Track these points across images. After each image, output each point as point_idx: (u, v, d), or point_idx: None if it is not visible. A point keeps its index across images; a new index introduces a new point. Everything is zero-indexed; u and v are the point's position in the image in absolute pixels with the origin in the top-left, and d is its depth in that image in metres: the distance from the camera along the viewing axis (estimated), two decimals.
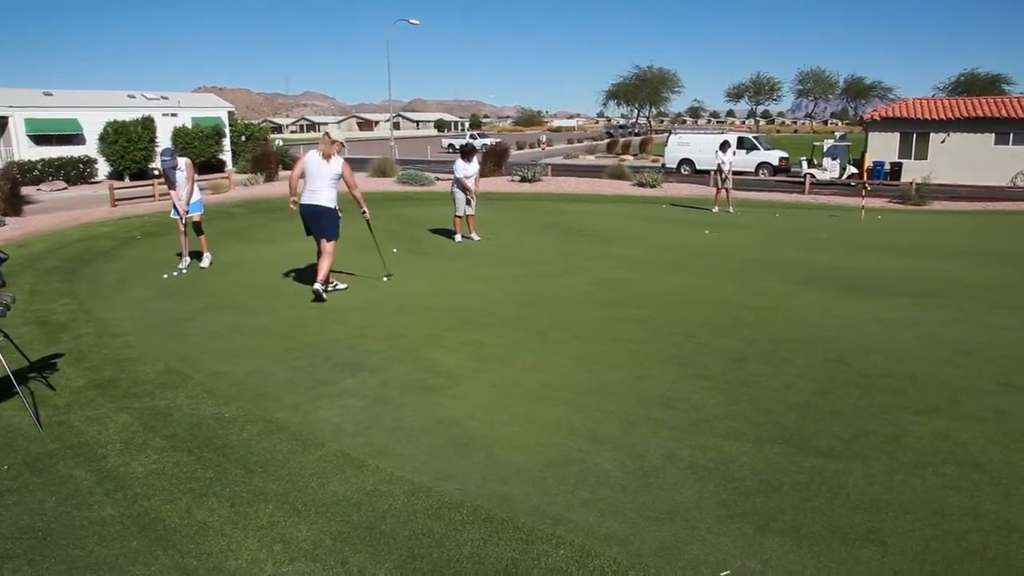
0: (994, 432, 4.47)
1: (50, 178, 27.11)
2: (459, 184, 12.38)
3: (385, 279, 9.00)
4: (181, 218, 10.02)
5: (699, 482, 3.83)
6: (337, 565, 3.07)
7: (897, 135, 30.23)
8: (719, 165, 18.30)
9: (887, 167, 29.39)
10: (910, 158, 29.72)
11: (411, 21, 40.81)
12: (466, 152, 12.63)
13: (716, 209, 18.30)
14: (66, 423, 4.63)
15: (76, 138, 29.29)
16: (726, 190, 18.29)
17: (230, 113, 35.90)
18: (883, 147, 30.36)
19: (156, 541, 3.26)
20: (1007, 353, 6.17)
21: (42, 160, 27.37)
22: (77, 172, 28.13)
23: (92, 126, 29.09)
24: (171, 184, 9.89)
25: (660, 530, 3.35)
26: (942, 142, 29.38)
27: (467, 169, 12.44)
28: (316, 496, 3.67)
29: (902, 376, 5.52)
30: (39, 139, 28.37)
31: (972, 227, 16.42)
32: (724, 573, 3.02)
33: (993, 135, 28.62)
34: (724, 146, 18.43)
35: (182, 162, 9.82)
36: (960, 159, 28.71)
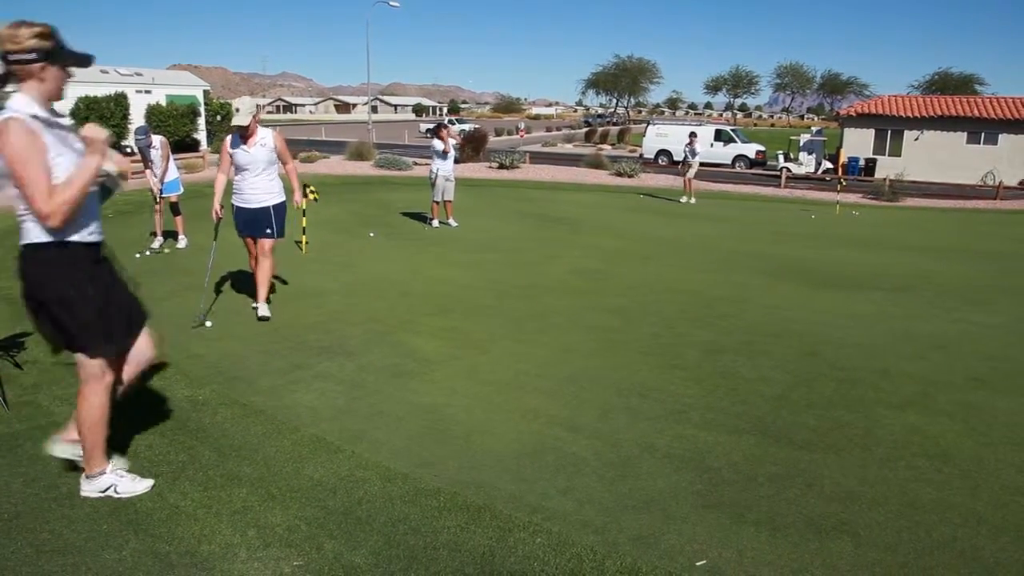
0: (963, 426, 4.55)
1: None
2: (439, 156, 12.32)
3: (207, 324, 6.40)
4: (156, 197, 9.85)
5: (676, 472, 3.84)
6: (312, 551, 3.04)
7: (872, 131, 30.60)
8: (686, 155, 18.70)
9: (862, 163, 29.75)
10: (884, 154, 30.11)
11: (391, 3, 40.39)
12: (437, 131, 12.65)
13: (684, 200, 18.63)
14: (34, 403, 4.53)
15: None
16: (689, 180, 18.64)
17: (206, 92, 35.33)
18: (858, 143, 30.72)
19: (127, 525, 3.20)
20: (977, 348, 6.27)
21: None
22: None
23: (63, 101, 28.37)
24: (146, 162, 9.72)
25: (637, 519, 3.36)
26: (916, 139, 29.79)
27: (444, 146, 12.38)
28: (291, 481, 3.63)
29: (875, 370, 5.58)
30: None
31: (944, 224, 16.67)
32: (700, 562, 3.04)
33: (965, 134, 29.09)
34: (692, 137, 18.90)
35: (157, 140, 9.64)
36: (933, 157, 29.13)
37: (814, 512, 3.47)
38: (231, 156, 6.39)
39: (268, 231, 6.45)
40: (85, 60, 3.20)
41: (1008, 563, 3.09)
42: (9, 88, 3.03)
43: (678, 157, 30.31)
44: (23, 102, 2.99)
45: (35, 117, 2.99)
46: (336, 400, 4.71)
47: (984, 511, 3.51)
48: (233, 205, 6.53)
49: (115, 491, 3.42)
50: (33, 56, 2.95)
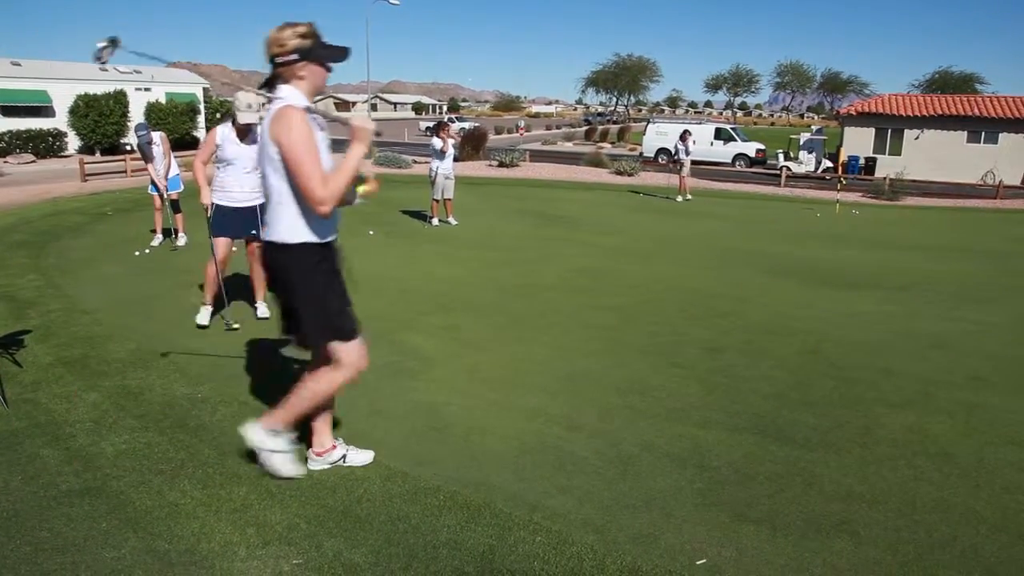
0: (964, 425, 4.54)
1: (18, 151, 26.52)
2: (436, 155, 12.31)
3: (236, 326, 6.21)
4: (160, 194, 9.85)
5: (675, 471, 3.84)
6: (312, 549, 3.04)
7: (872, 130, 30.58)
8: (678, 154, 18.80)
9: (862, 162, 29.73)
10: (884, 153, 30.09)
11: (391, 1, 40.33)
12: (438, 129, 12.63)
13: (679, 199, 18.67)
14: (33, 401, 4.52)
15: (45, 110, 28.63)
16: (682, 178, 18.70)
17: (205, 89, 35.32)
18: (858, 142, 30.70)
19: (126, 523, 3.19)
20: (977, 347, 6.26)
21: (9, 132, 26.76)
22: (46, 145, 27.55)
23: (62, 98, 28.44)
24: (147, 159, 9.71)
25: (637, 518, 3.36)
26: (916, 138, 29.77)
27: (448, 148, 12.37)
28: (290, 479, 3.62)
29: (875, 369, 5.58)
30: (7, 110, 27.69)
31: (943, 223, 16.67)
32: (700, 561, 3.04)
33: (965, 133, 29.08)
34: (684, 135, 18.83)
35: (157, 136, 9.64)
36: (933, 156, 29.11)
37: (814, 511, 3.46)
38: (217, 147, 6.00)
39: (254, 231, 6.05)
40: (341, 54, 3.25)
41: (1008, 562, 3.09)
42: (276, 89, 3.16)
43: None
44: (295, 94, 3.11)
45: (306, 109, 3.09)
46: (335, 398, 4.70)
47: (984, 510, 3.51)
48: (212, 203, 6.15)
49: (271, 459, 3.51)
50: (295, 57, 3.08)
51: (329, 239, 3.28)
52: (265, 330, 6.10)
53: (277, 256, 3.23)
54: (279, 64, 3.09)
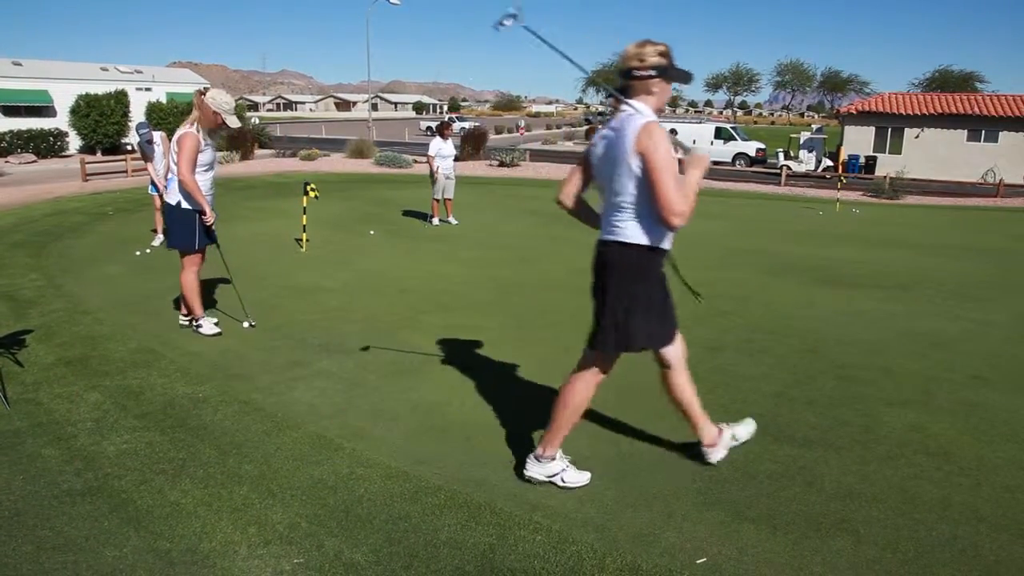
0: (964, 424, 4.54)
1: (19, 150, 26.54)
2: (433, 166, 12.28)
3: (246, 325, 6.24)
4: (160, 194, 9.84)
5: (676, 469, 3.84)
6: (313, 549, 3.04)
7: (872, 129, 30.58)
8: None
9: (862, 160, 29.73)
10: (884, 152, 30.09)
11: (392, 1, 40.33)
12: (442, 129, 12.56)
13: None
14: (35, 400, 4.53)
15: (46, 110, 28.67)
16: None
17: (205, 89, 35.32)
18: (858, 141, 30.70)
19: (127, 522, 3.20)
20: (977, 346, 6.26)
21: (10, 132, 26.78)
22: (47, 145, 27.57)
23: (63, 98, 28.47)
24: (147, 158, 9.72)
25: (637, 516, 3.36)
26: (916, 137, 29.77)
27: (445, 148, 12.35)
28: (291, 478, 3.63)
29: (876, 368, 5.58)
30: (7, 110, 27.74)
31: (944, 222, 16.66)
32: (700, 560, 3.04)
33: (965, 132, 29.07)
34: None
35: (157, 136, 9.64)
36: (933, 154, 29.11)
37: (814, 510, 3.47)
38: (199, 155, 5.63)
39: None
40: (687, 78, 3.42)
41: (1008, 561, 3.09)
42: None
43: (677, 155, 30.29)
44: (647, 109, 3.25)
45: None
46: (336, 398, 4.72)
47: (985, 509, 3.51)
48: (196, 212, 5.76)
49: (561, 479, 3.60)
50: (652, 73, 3.24)
51: (668, 248, 3.43)
52: (265, 329, 6.11)
53: (623, 253, 3.36)
54: (635, 77, 3.25)
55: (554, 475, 3.60)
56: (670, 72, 3.28)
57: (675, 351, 3.72)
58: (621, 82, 3.32)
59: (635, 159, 3.16)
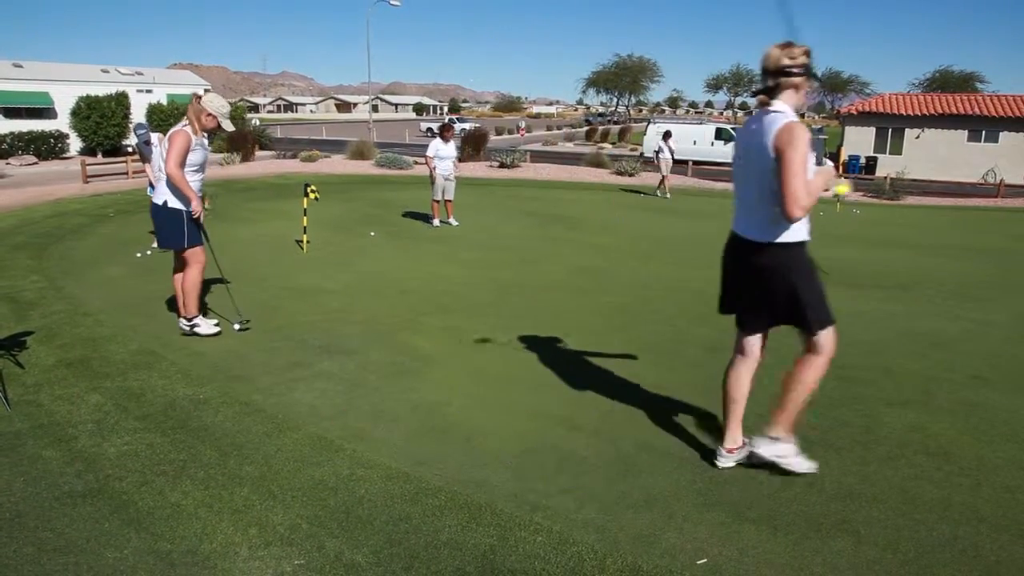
0: (964, 424, 4.54)
1: (20, 152, 26.56)
2: (431, 166, 12.28)
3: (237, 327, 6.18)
4: None
5: (676, 470, 3.84)
6: (314, 550, 3.05)
7: (873, 130, 30.60)
8: (657, 153, 19.89)
9: (862, 161, 29.74)
10: (885, 153, 30.10)
11: (392, 2, 40.35)
12: (444, 131, 12.55)
13: (664, 196, 19.39)
14: (35, 402, 4.54)
15: (47, 112, 28.70)
16: (665, 177, 19.55)
17: (206, 91, 35.33)
18: (859, 141, 30.72)
19: (128, 523, 3.21)
20: (978, 346, 6.26)
21: (11, 134, 26.80)
22: (48, 147, 27.59)
23: (64, 100, 28.50)
24: (144, 159, 9.71)
25: (638, 517, 3.37)
26: (916, 138, 29.77)
27: (444, 150, 12.35)
28: (292, 480, 3.64)
29: (876, 368, 5.58)
30: (8, 112, 27.76)
31: (944, 222, 16.66)
32: (701, 561, 3.04)
33: (966, 132, 29.08)
34: (667, 135, 19.84)
35: (155, 137, 9.63)
36: (933, 155, 29.12)
37: (814, 510, 3.47)
38: (190, 154, 5.62)
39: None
40: (818, 79, 3.61)
41: (1009, 561, 3.09)
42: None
43: (679, 156, 30.33)
44: (789, 109, 3.40)
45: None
46: (337, 399, 4.72)
47: (985, 509, 3.51)
48: (183, 210, 5.67)
49: (787, 462, 3.75)
50: (801, 71, 3.40)
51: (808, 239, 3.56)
52: (265, 331, 6.12)
53: (775, 254, 3.50)
54: (789, 75, 3.38)
55: (782, 456, 3.74)
56: (813, 72, 3.45)
57: (756, 344, 3.83)
58: (771, 82, 3.42)
59: (773, 153, 3.31)
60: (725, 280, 3.87)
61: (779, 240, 3.46)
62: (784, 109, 3.38)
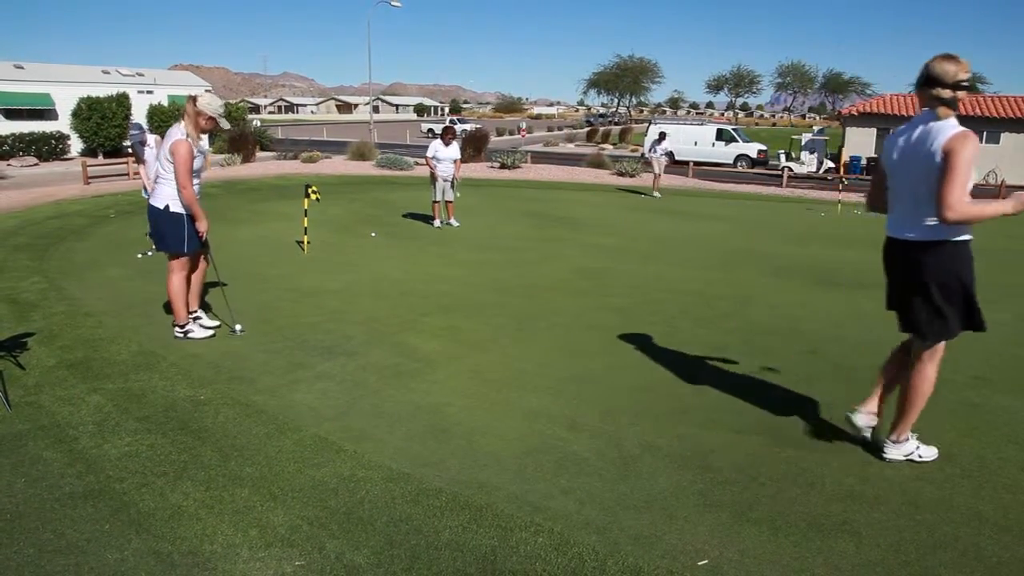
0: (966, 425, 4.54)
1: (21, 153, 26.57)
2: (430, 166, 12.29)
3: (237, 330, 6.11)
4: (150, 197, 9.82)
5: (677, 471, 3.84)
6: (314, 551, 3.05)
7: (874, 130, 30.59)
8: (650, 153, 20.55)
9: (864, 162, 29.71)
10: None
11: (392, 3, 40.37)
12: (444, 134, 12.54)
13: (657, 195, 19.81)
14: (36, 403, 4.54)
15: (48, 113, 28.69)
16: (656, 176, 20.16)
17: (206, 91, 35.35)
18: (860, 142, 30.71)
19: (129, 524, 3.21)
20: (979, 347, 6.24)
21: (12, 135, 26.80)
22: (49, 148, 27.58)
23: (65, 101, 28.50)
24: (139, 160, 9.65)
25: (638, 518, 3.36)
26: None
27: (443, 152, 12.34)
28: (293, 481, 3.64)
29: (877, 369, 5.55)
30: (9, 113, 27.75)
31: None
32: (702, 562, 3.04)
33: None
34: (661, 137, 20.54)
35: (151, 138, 9.58)
36: None
37: (816, 511, 3.46)
38: (192, 161, 5.58)
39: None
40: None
41: (1010, 562, 3.09)
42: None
43: (680, 157, 30.32)
44: (955, 119, 3.53)
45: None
46: (337, 400, 4.72)
47: (986, 510, 3.51)
48: (184, 215, 5.67)
49: (918, 455, 3.98)
50: (968, 84, 3.53)
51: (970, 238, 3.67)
52: (266, 332, 6.11)
53: (938, 251, 3.63)
54: (964, 88, 3.49)
55: (910, 453, 3.96)
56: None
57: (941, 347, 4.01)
58: (947, 94, 3.49)
59: (941, 155, 3.43)
60: (888, 281, 4.03)
61: (957, 238, 3.59)
62: (955, 121, 3.50)
